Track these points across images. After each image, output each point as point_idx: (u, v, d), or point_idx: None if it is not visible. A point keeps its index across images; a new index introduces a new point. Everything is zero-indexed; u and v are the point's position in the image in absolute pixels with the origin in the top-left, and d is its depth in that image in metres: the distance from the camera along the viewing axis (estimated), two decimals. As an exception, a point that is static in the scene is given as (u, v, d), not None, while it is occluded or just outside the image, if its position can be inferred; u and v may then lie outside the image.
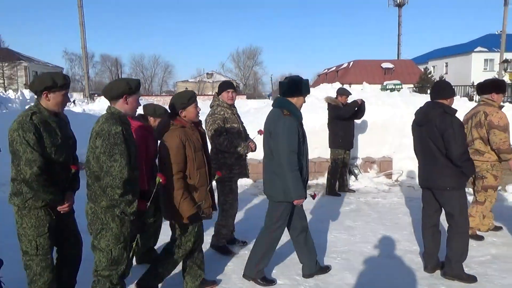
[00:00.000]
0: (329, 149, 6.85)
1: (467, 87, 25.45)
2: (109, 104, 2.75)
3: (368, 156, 7.96)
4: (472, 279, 3.63)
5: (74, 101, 24.64)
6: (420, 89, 29.84)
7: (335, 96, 6.87)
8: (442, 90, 3.69)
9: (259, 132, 4.18)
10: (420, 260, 4.04)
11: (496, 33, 36.93)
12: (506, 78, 22.22)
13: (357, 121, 7.26)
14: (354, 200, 6.49)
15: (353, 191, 7.03)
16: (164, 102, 34.91)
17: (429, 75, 36.79)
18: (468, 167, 3.51)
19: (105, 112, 2.73)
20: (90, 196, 2.71)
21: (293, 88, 3.43)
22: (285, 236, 3.73)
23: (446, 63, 49.11)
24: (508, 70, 23.12)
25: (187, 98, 3.12)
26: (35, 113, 2.70)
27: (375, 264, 4.03)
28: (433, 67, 49.10)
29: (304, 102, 3.49)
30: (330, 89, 9.43)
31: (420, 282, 3.64)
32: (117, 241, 2.71)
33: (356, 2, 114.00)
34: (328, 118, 6.80)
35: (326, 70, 58.45)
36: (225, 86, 4.22)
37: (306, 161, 3.46)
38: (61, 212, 2.86)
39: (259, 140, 3.99)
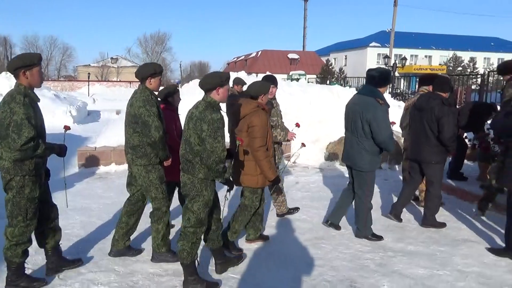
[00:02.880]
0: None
1: (362, 78, 27.90)
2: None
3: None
4: (443, 225, 4.75)
5: None
6: (322, 79, 31.86)
7: (231, 86, 7.30)
8: (442, 85, 4.59)
9: (297, 125, 5.19)
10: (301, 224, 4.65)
11: (387, 31, 40.58)
12: (397, 72, 25.24)
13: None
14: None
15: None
16: (63, 88, 32.30)
17: (330, 67, 39.52)
18: (453, 147, 4.50)
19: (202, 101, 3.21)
20: (187, 169, 3.23)
21: (383, 79, 4.03)
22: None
23: (346, 56, 52.96)
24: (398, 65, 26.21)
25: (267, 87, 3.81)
26: (153, 93, 3.54)
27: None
28: (334, 59, 52.53)
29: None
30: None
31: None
32: (205, 206, 3.29)
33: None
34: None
35: (236, 59, 59.24)
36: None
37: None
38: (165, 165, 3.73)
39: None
